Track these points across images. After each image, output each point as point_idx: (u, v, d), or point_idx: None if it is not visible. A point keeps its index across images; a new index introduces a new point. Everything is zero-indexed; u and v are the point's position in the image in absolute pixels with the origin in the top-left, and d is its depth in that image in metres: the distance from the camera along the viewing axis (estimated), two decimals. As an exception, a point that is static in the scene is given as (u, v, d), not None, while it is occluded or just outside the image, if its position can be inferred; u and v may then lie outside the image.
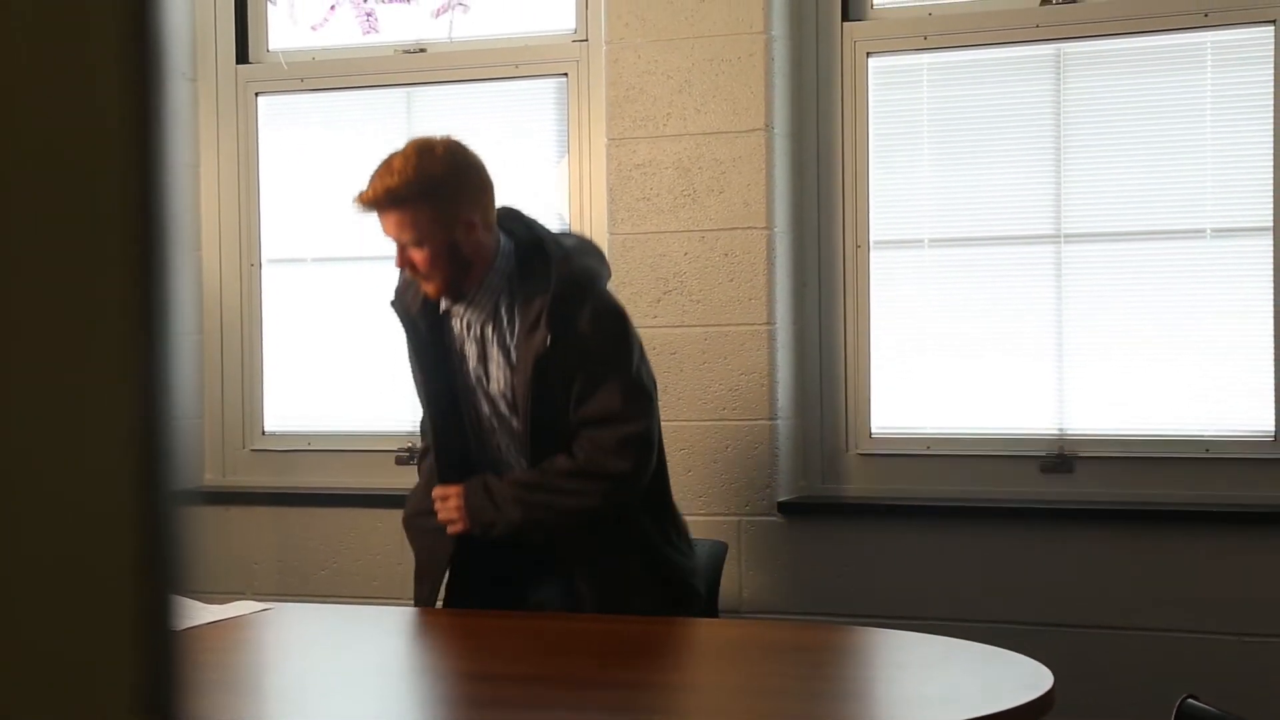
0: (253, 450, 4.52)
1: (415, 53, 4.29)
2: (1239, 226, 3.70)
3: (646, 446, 3.06)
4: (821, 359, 4.02)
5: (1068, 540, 3.75)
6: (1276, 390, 3.67)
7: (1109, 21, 3.77)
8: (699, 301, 3.93)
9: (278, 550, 4.40)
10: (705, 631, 3.06)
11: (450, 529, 3.12)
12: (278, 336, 4.52)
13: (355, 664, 2.84)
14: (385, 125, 4.37)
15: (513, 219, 3.14)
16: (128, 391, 0.55)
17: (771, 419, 3.91)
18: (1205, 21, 3.69)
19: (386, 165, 3.01)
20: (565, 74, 4.18)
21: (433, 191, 2.99)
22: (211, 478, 4.54)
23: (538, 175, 4.24)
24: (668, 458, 3.30)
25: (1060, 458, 3.82)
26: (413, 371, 3.23)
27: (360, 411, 4.40)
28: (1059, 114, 3.82)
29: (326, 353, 4.48)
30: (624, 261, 3.96)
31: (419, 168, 2.98)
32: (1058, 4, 3.82)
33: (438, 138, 3.04)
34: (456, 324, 3.14)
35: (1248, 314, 3.70)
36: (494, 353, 3.10)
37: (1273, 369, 3.67)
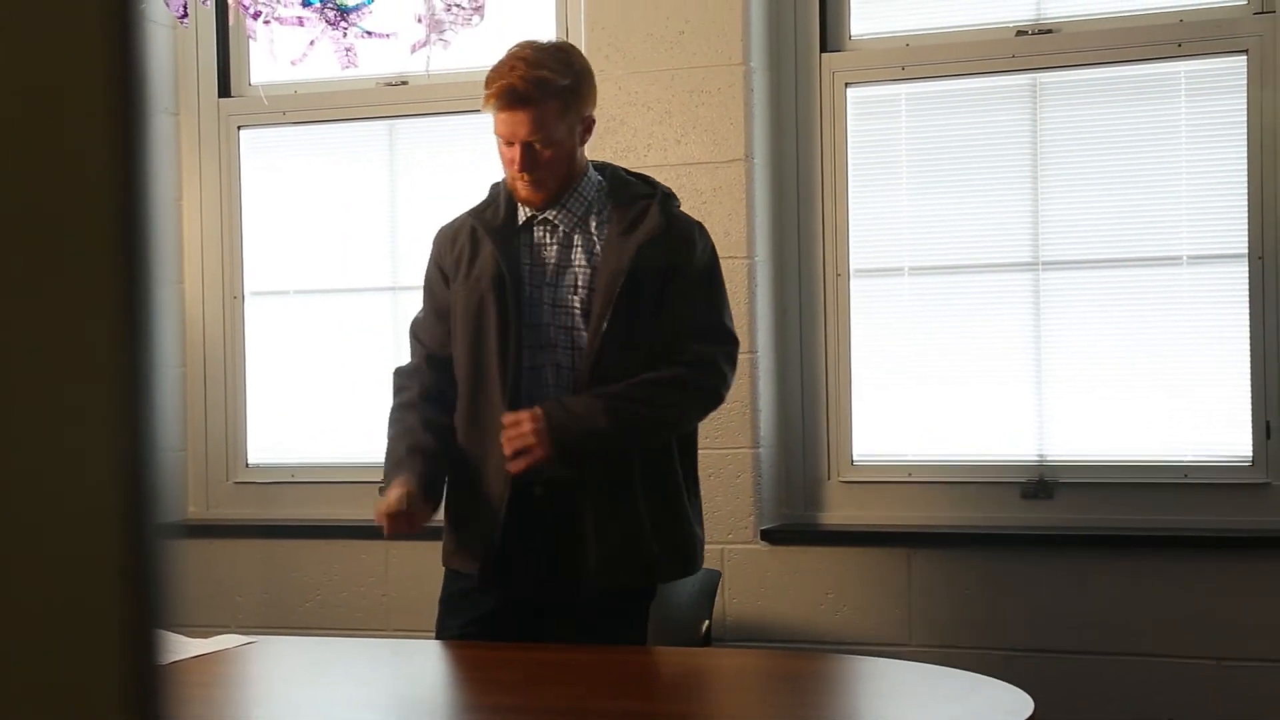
0: (236, 483, 4.52)
1: (397, 85, 4.32)
2: (1215, 253, 3.73)
3: (735, 371, 3.07)
4: (803, 387, 4.04)
5: (1049, 566, 3.77)
6: (1254, 416, 3.70)
7: (1084, 52, 3.81)
8: (681, 331, 3.95)
9: (262, 583, 4.41)
10: (689, 660, 3.07)
11: (520, 461, 2.90)
12: (260, 369, 4.53)
13: (340, 697, 2.85)
14: (367, 157, 4.39)
15: None
16: (112, 425, 0.56)
17: (754, 447, 3.93)
18: (1179, 51, 3.73)
19: (524, 60, 2.91)
20: (546, 106, 4.20)
21: (575, 88, 2.94)
22: (195, 510, 4.54)
23: (519, 206, 4.26)
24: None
25: (1041, 484, 3.84)
26: (461, 302, 3.05)
27: (343, 443, 4.41)
28: (1036, 143, 3.86)
29: (309, 385, 4.49)
30: (606, 292, 3.98)
31: (563, 62, 2.94)
32: (1034, 34, 3.86)
33: (556, 40, 3.02)
34: (539, 231, 3.04)
35: (1225, 340, 3.73)
36: (578, 257, 3.01)
37: (1250, 395, 3.70)
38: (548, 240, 3.03)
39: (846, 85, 3.99)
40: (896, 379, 4.00)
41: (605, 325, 2.93)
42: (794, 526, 4.01)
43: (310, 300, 4.48)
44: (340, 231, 4.43)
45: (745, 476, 3.92)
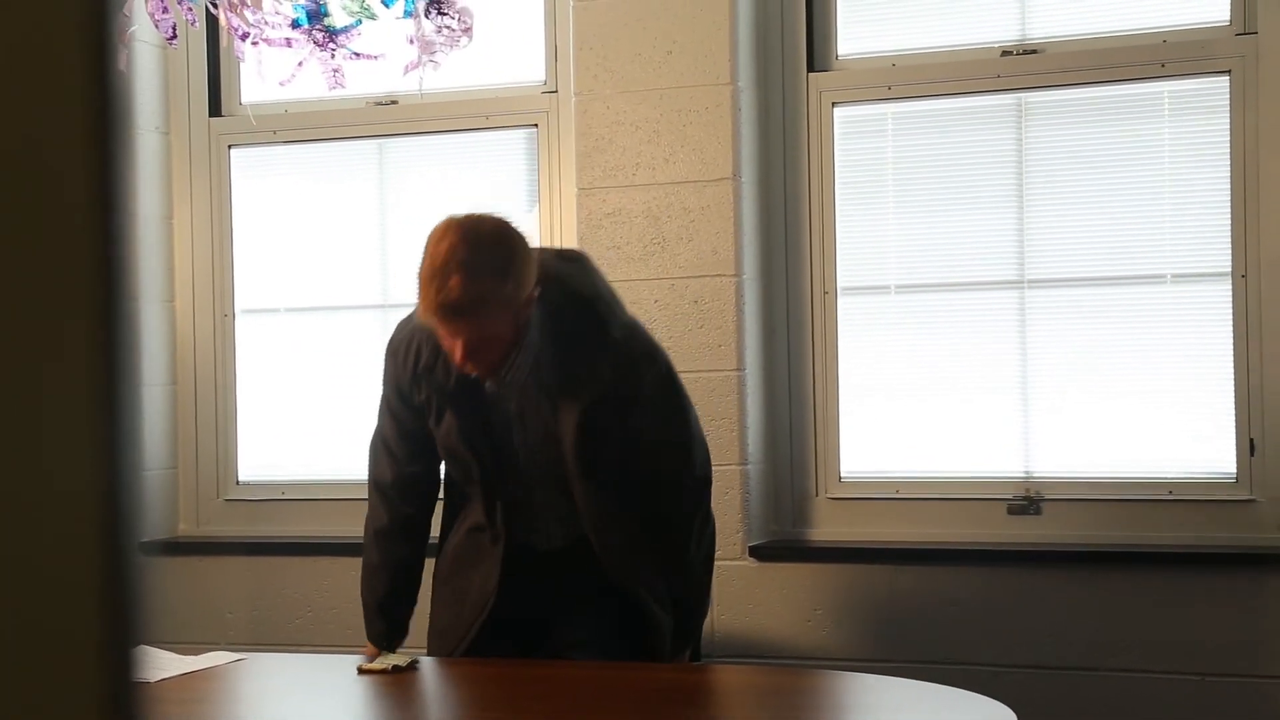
0: (226, 500, 4.53)
1: (387, 104, 4.34)
2: (1199, 272, 3.76)
3: (704, 450, 3.15)
4: (791, 404, 4.06)
5: (1035, 582, 3.79)
6: (1238, 433, 3.73)
7: (1069, 72, 3.84)
8: (669, 348, 3.94)
9: (252, 600, 4.42)
10: (677, 677, 3.09)
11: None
12: (251, 386, 4.55)
13: (330, 714, 2.86)
14: (357, 176, 4.42)
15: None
16: (88, 443, 0.57)
17: (742, 464, 3.95)
18: (1162, 71, 3.76)
19: (462, 266, 2.73)
20: (535, 125, 4.23)
21: (516, 284, 2.78)
22: (185, 528, 4.55)
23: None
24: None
25: (1027, 500, 3.87)
26: (439, 435, 3.06)
27: (334, 460, 4.42)
28: (1021, 162, 3.88)
29: (300, 402, 4.50)
30: (594, 310, 4.00)
31: (505, 260, 2.77)
32: (1019, 55, 3.89)
33: (485, 219, 2.82)
34: (490, 384, 2.98)
35: (1209, 357, 3.76)
36: (533, 408, 2.96)
37: (1233, 412, 3.73)
38: (504, 394, 2.98)
39: (833, 105, 4.02)
40: (884, 396, 4.02)
41: (580, 472, 2.96)
42: (782, 543, 4.03)
43: (301, 318, 4.50)
44: (330, 249, 4.44)
45: (733, 493, 3.94)
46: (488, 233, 2.78)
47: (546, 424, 2.96)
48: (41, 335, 0.56)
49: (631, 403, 2.95)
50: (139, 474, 0.59)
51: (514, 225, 2.84)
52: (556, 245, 3.04)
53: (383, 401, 3.16)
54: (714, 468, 3.92)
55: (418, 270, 2.79)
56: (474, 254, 2.73)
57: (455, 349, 2.80)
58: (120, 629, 0.57)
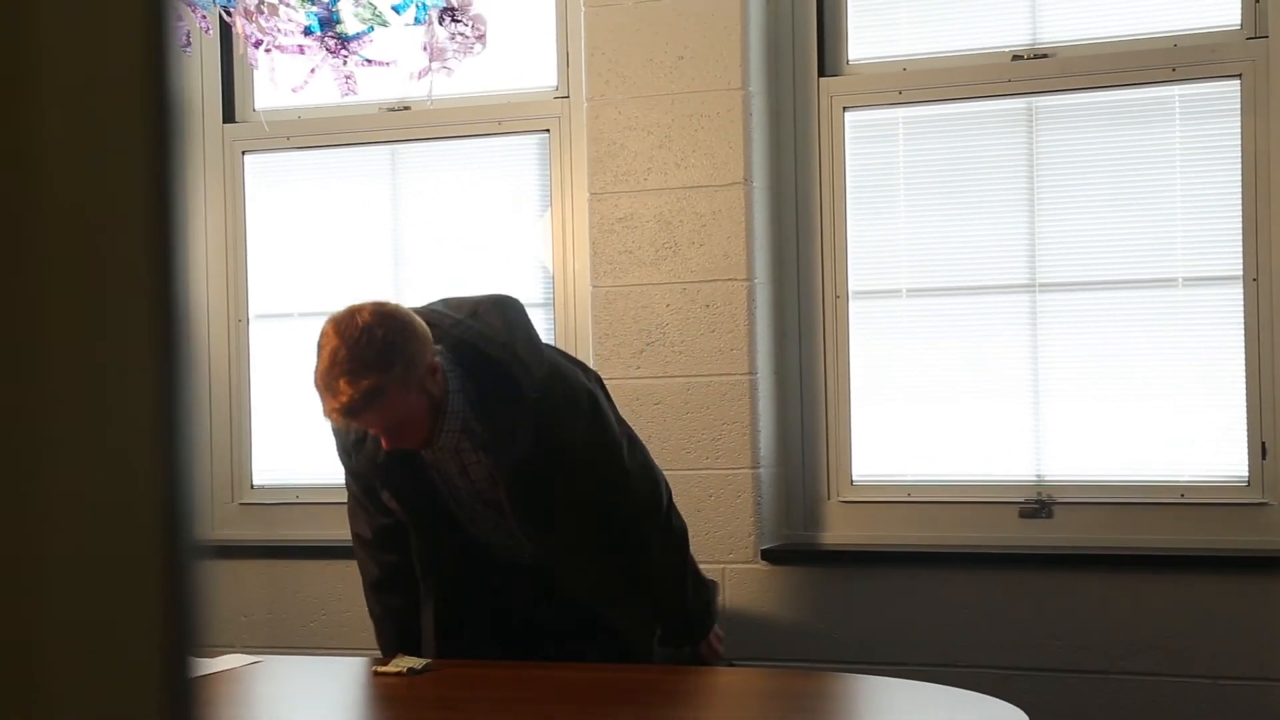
0: (241, 504, 4.55)
1: (399, 110, 4.36)
2: (1210, 275, 3.77)
3: (644, 456, 3.22)
4: (803, 408, 4.07)
5: (1047, 585, 3.79)
6: (1249, 437, 3.73)
7: (1079, 76, 3.85)
8: (681, 353, 3.99)
9: (267, 603, 4.44)
10: (689, 679, 3.10)
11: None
12: (265, 391, 4.57)
13: (346, 716, 2.87)
14: (370, 182, 4.43)
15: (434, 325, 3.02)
16: (151, 444, 0.59)
17: (754, 468, 3.96)
18: (1173, 76, 3.77)
19: (344, 370, 2.83)
20: (547, 130, 4.25)
21: (404, 367, 2.86)
22: (200, 531, 4.57)
23: (521, 229, 4.31)
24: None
25: (1039, 503, 3.87)
26: (375, 505, 3.21)
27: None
28: (1032, 166, 3.89)
29: (314, 406, 4.51)
30: (607, 314, 4.02)
31: (384, 350, 2.84)
32: (1029, 59, 3.90)
33: (359, 312, 2.90)
34: (426, 452, 3.06)
35: (1220, 361, 3.76)
36: (471, 460, 3.06)
37: (1245, 415, 3.73)
38: (438, 457, 3.06)
39: (844, 109, 4.03)
40: (895, 400, 4.03)
41: (522, 528, 3.06)
42: (794, 546, 4.04)
43: (314, 323, 4.48)
44: (344, 255, 4.46)
45: (745, 496, 3.95)
46: (363, 327, 2.85)
47: (490, 473, 3.05)
48: (108, 343, 0.58)
49: (559, 458, 3.01)
50: (194, 479, 0.61)
51: (390, 308, 2.93)
52: (476, 295, 3.09)
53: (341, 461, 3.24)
54: (727, 471, 3.96)
55: (313, 377, 2.90)
56: (352, 353, 2.82)
57: (380, 438, 2.94)
58: (181, 632, 0.59)
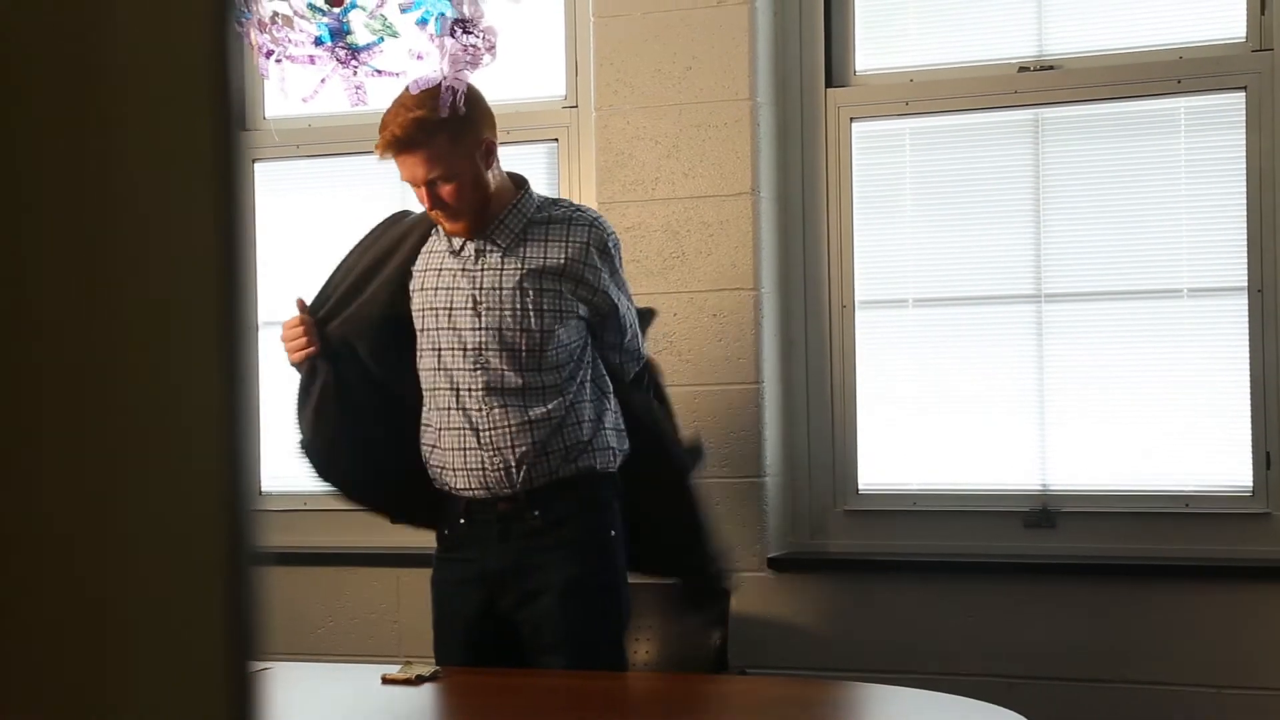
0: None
1: (409, 119, 4.38)
2: (1215, 286, 3.78)
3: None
4: (809, 417, 4.09)
5: (1051, 594, 3.81)
6: (1254, 446, 3.74)
7: (1085, 88, 3.86)
8: (688, 361, 4.01)
9: (274, 609, 4.46)
10: (695, 687, 3.12)
11: None
12: (273, 397, 4.58)
13: (352, 722, 2.89)
14: (380, 189, 4.45)
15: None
16: (219, 451, 0.61)
17: (760, 476, 3.98)
18: (1179, 88, 3.78)
19: (400, 105, 3.05)
20: (556, 139, 4.27)
21: (455, 117, 3.03)
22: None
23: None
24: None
25: (1043, 513, 3.89)
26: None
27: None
28: (1038, 177, 3.91)
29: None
30: (614, 323, 4.04)
31: (431, 100, 3.03)
32: (1036, 71, 3.91)
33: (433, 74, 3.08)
34: (465, 258, 3.20)
35: (1225, 371, 3.78)
36: (510, 275, 3.16)
37: (1250, 425, 3.75)
38: (469, 266, 3.21)
39: (851, 120, 4.05)
40: (901, 409, 4.04)
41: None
42: (800, 555, 4.05)
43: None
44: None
45: (752, 505, 3.97)
46: (430, 79, 3.04)
47: (504, 282, 3.17)
48: (177, 351, 0.60)
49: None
50: (254, 486, 0.63)
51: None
52: None
53: None
54: (734, 480, 3.98)
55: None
56: (414, 98, 3.03)
57: (422, 198, 3.11)
58: (243, 639, 0.61)
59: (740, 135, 3.97)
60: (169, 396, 0.60)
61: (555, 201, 3.29)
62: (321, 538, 4.47)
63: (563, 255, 3.16)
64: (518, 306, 3.15)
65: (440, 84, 3.02)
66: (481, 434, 3.15)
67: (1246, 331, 3.75)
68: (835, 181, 4.06)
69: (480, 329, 3.16)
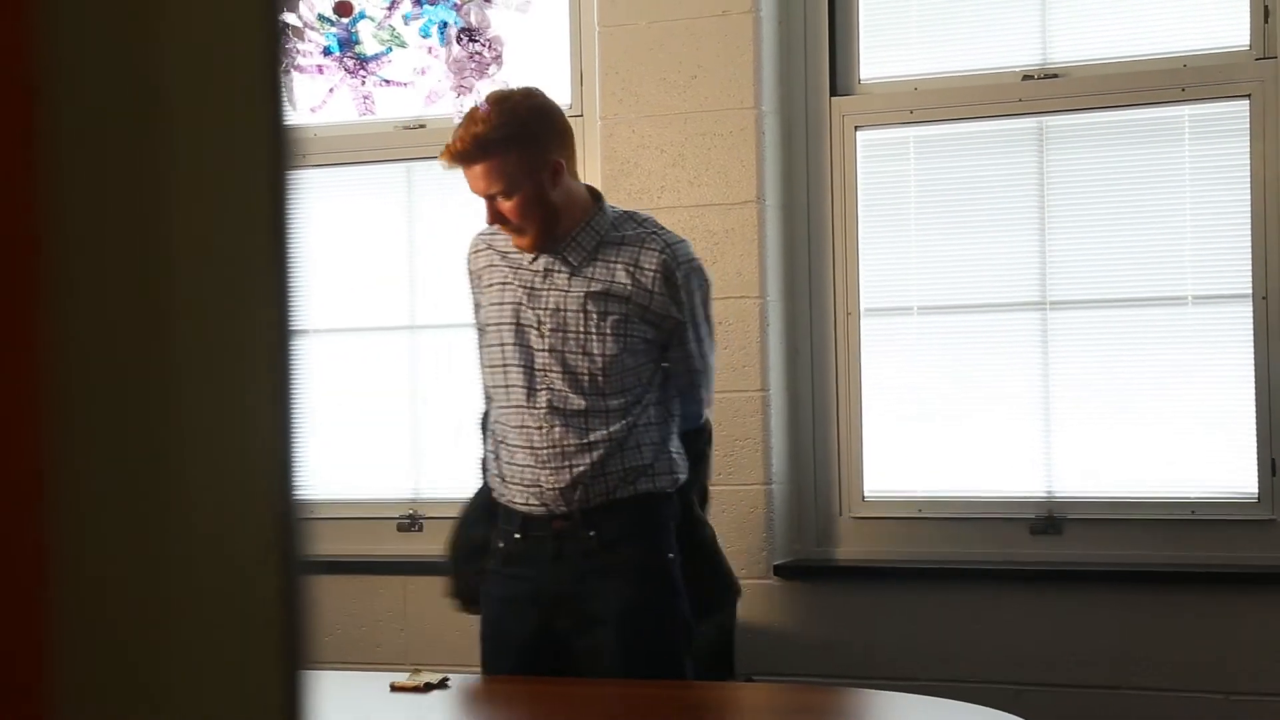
0: (256, 518, 4.58)
1: (415, 128, 4.40)
2: (1219, 293, 3.80)
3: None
4: (815, 424, 4.10)
5: (1057, 601, 3.82)
6: (1259, 453, 3.75)
7: (1089, 96, 3.88)
8: (694, 369, 4.01)
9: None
10: (701, 694, 3.13)
11: None
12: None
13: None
14: (386, 199, 4.47)
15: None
16: (271, 462, 0.62)
17: (766, 484, 3.99)
18: (1182, 96, 3.80)
19: (470, 117, 3.04)
20: (561, 148, 4.28)
21: (519, 135, 3.04)
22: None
23: (535, 247, 4.34)
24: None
25: (1049, 520, 3.90)
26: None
27: (361, 479, 4.46)
28: (1042, 185, 3.92)
29: (327, 422, 4.55)
30: (620, 331, 4.05)
31: (504, 113, 3.04)
32: (1040, 79, 3.93)
33: (514, 87, 3.07)
34: (534, 273, 3.17)
35: (1230, 379, 3.79)
36: (575, 297, 3.13)
37: (1254, 432, 3.76)
38: (546, 281, 3.17)
39: (856, 128, 4.06)
40: (907, 416, 4.05)
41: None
42: (806, 562, 4.06)
43: (330, 338, 4.55)
44: (359, 271, 4.50)
45: (758, 512, 3.98)
46: (514, 91, 3.07)
47: (567, 303, 3.13)
48: (237, 365, 0.62)
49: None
50: (301, 494, 0.64)
51: (539, 96, 3.16)
52: None
53: None
54: (740, 487, 3.99)
55: None
56: (500, 102, 3.04)
57: (486, 210, 3.09)
58: (295, 648, 0.62)
59: (745, 144, 3.98)
60: (228, 409, 0.62)
61: (633, 217, 3.23)
62: (327, 546, 4.48)
63: (629, 280, 3.12)
64: (581, 330, 3.11)
65: (511, 96, 3.04)
66: (540, 452, 3.11)
67: (1251, 338, 3.76)
68: (840, 189, 4.07)
69: (545, 350, 3.12)
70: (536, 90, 3.15)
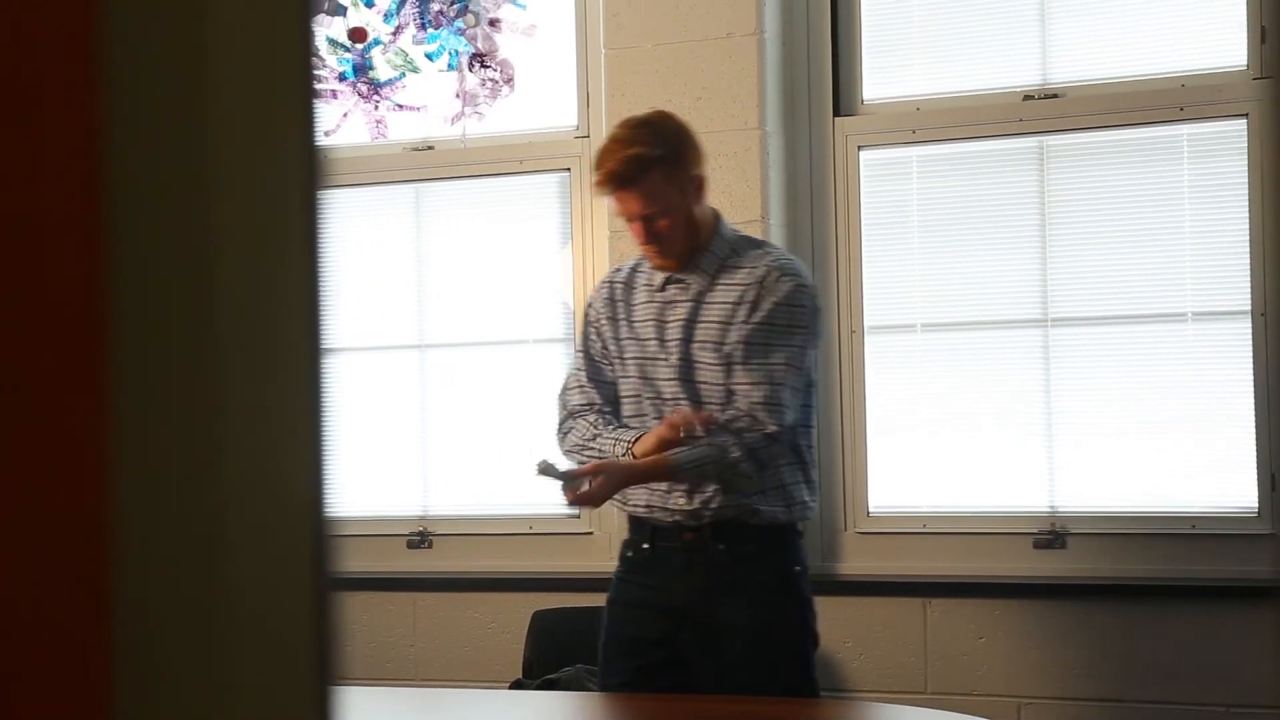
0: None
1: (424, 150, 4.45)
2: (1219, 310, 3.84)
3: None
4: (820, 440, 4.13)
5: (1061, 614, 3.85)
6: (1259, 468, 3.79)
7: (1089, 115, 3.92)
8: (700, 387, 4.05)
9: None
10: (704, 707, 3.15)
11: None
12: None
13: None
14: (395, 220, 4.52)
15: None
16: (308, 478, 0.66)
17: (771, 500, 4.02)
18: (1181, 115, 3.84)
19: (616, 141, 3.11)
20: (568, 169, 4.33)
21: (671, 155, 3.10)
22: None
23: (542, 266, 4.38)
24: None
25: (1052, 534, 3.93)
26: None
27: (370, 497, 4.50)
28: (1043, 203, 3.96)
29: (336, 440, 4.58)
30: (627, 349, 4.09)
31: (653, 135, 3.10)
32: (1040, 99, 3.98)
33: (641, 113, 3.21)
34: (661, 304, 3.19)
35: (1229, 394, 3.82)
36: (691, 332, 3.14)
37: (1254, 447, 3.79)
38: (670, 305, 3.19)
39: (859, 148, 4.11)
40: (911, 432, 4.09)
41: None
42: (812, 576, 4.08)
43: (339, 357, 4.59)
44: (368, 291, 4.54)
45: (764, 528, 4.01)
46: (642, 118, 3.19)
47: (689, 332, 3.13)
48: (273, 383, 0.65)
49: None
50: (333, 512, 0.68)
51: (670, 115, 3.23)
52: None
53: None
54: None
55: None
56: (627, 131, 3.12)
57: (638, 231, 3.11)
58: (328, 664, 0.65)
59: (750, 164, 4.03)
60: (267, 432, 0.65)
61: (749, 241, 3.28)
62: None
63: (746, 303, 3.13)
64: (706, 357, 3.14)
65: (649, 119, 3.14)
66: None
67: (1250, 354, 3.80)
68: (843, 208, 4.11)
69: (674, 379, 3.15)
70: (666, 111, 3.26)
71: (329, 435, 0.67)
